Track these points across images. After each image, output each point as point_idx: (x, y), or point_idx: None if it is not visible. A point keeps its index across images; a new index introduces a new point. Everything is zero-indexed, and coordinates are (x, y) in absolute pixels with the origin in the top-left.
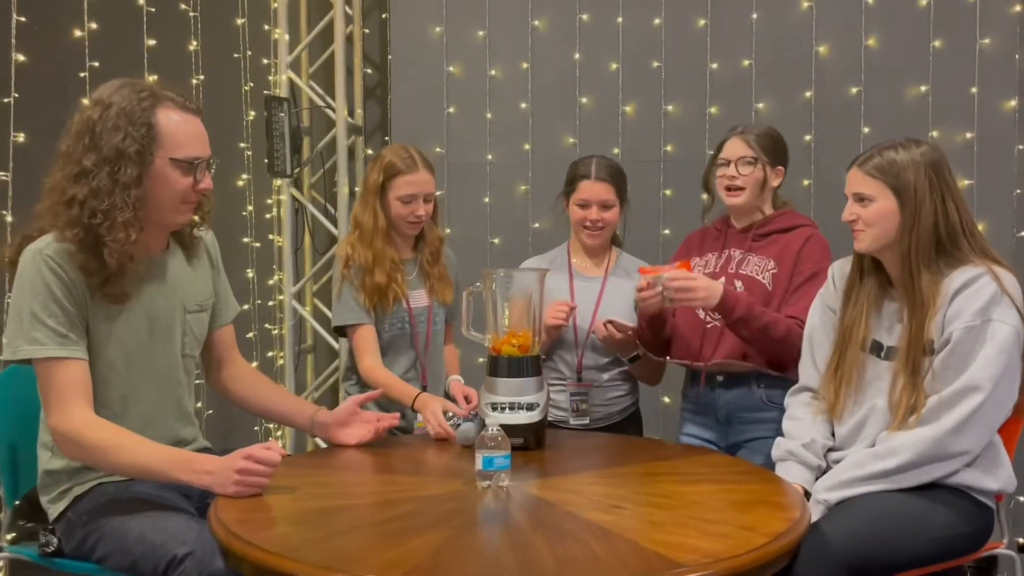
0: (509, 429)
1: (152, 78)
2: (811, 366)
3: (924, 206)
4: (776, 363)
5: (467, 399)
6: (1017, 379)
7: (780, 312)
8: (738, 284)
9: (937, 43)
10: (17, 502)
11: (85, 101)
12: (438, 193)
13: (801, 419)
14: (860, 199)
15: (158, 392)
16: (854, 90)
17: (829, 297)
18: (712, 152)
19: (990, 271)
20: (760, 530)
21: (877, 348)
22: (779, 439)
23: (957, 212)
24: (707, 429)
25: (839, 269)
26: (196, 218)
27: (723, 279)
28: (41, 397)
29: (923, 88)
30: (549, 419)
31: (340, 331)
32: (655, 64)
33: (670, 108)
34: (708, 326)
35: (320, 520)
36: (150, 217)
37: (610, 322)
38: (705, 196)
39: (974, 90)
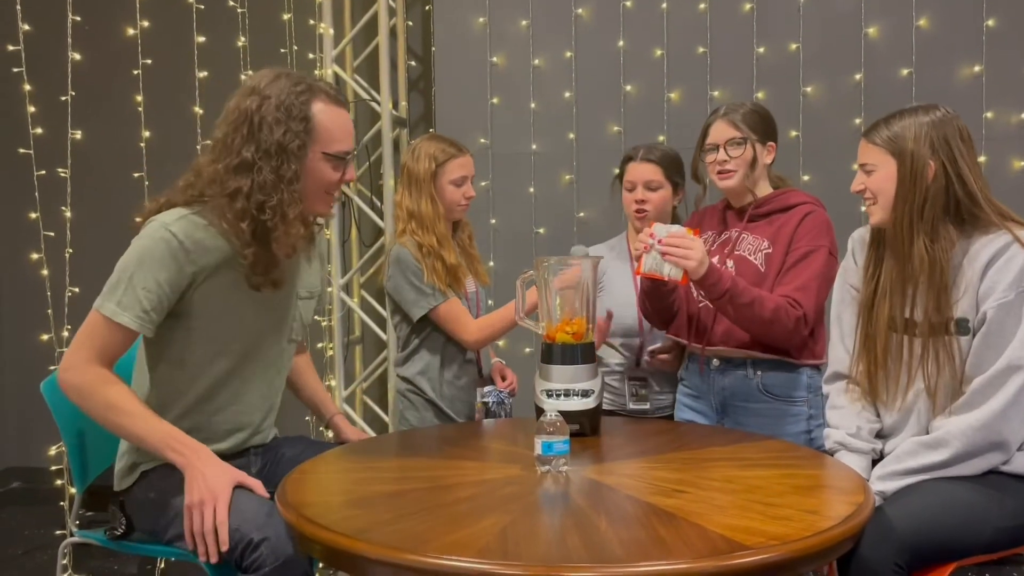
0: (564, 416)
1: (202, 74)
2: (842, 350)
3: (924, 172)
4: (772, 346)
5: (503, 377)
6: None
7: (773, 292)
8: (729, 264)
9: (991, 22)
10: (83, 492)
11: (243, 77)
12: (483, 184)
13: (843, 408)
14: (866, 169)
15: (260, 375)
16: (905, 72)
17: (851, 275)
18: (699, 138)
19: (1016, 238)
20: (825, 513)
21: (905, 326)
22: (827, 430)
23: (972, 175)
24: (702, 415)
25: (859, 241)
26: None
27: (716, 258)
28: (78, 335)
29: (976, 68)
30: (607, 406)
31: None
32: (700, 50)
33: (716, 94)
34: (700, 305)
35: (386, 503)
36: (305, 209)
37: (651, 354)
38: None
39: None
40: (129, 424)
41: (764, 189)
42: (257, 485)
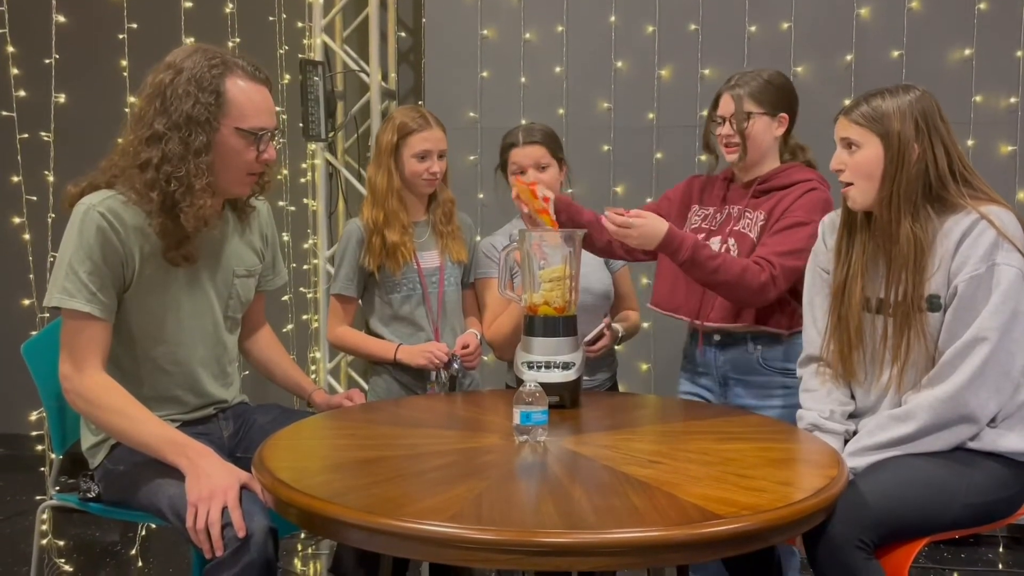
0: (544, 388)
1: (189, 40)
2: (814, 333)
3: (910, 153)
4: (760, 315)
5: (465, 346)
6: None
7: (753, 254)
8: (731, 242)
9: (982, 5)
10: (62, 456)
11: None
12: (471, 158)
13: (815, 390)
14: (848, 144)
15: (202, 352)
16: (896, 53)
17: (821, 258)
18: (709, 108)
19: (983, 215)
20: (798, 485)
21: (879, 306)
22: (800, 412)
23: (947, 157)
24: (705, 390)
25: (829, 225)
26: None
27: (719, 238)
28: (61, 345)
29: (967, 51)
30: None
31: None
32: (692, 27)
33: (707, 72)
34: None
35: (363, 469)
36: (217, 184)
37: (591, 349)
38: (704, 157)
39: (1019, 54)
40: (129, 428)
41: (772, 163)
42: (259, 488)
